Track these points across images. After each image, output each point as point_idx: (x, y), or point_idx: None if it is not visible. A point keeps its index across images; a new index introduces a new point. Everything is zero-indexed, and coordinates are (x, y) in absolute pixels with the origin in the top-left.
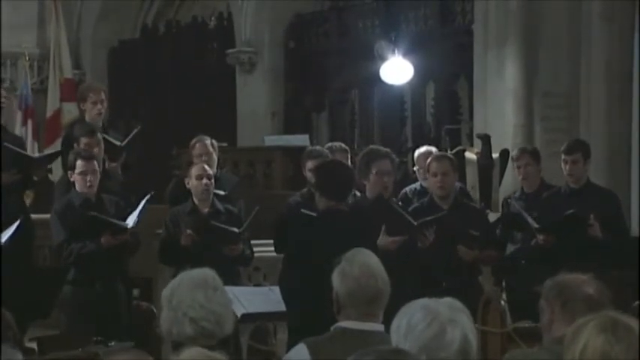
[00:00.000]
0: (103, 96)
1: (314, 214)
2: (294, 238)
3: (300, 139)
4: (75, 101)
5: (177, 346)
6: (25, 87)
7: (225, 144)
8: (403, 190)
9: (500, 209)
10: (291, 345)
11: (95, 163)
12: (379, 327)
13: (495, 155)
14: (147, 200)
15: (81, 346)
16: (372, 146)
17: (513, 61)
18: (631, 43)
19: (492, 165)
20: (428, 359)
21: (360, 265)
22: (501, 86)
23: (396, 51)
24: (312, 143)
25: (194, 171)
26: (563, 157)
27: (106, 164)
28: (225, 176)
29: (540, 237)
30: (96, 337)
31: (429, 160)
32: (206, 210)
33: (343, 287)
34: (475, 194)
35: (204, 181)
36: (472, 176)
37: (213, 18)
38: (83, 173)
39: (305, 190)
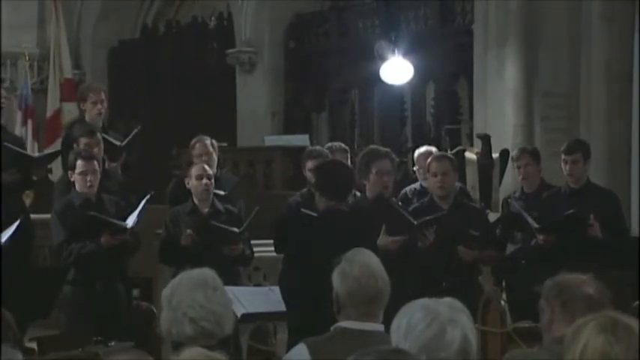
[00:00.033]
0: (103, 96)
1: (314, 214)
2: (294, 238)
3: (300, 139)
4: (75, 101)
5: (177, 346)
6: (25, 87)
7: (225, 144)
8: (403, 190)
9: (500, 209)
10: (291, 345)
11: (95, 163)
12: (379, 327)
13: (495, 155)
14: (147, 200)
15: (81, 346)
16: (372, 146)
17: (513, 61)
18: (631, 43)
19: (492, 165)
20: (428, 359)
21: (360, 265)
22: (501, 86)
23: (396, 51)
24: (312, 143)
25: (194, 171)
26: (563, 157)
27: (106, 164)
28: (225, 176)
29: (540, 237)
30: (96, 337)
31: (429, 160)
32: (206, 210)
33: (343, 287)
34: (475, 194)
35: (204, 181)
36: (472, 176)
37: (213, 18)
38: (83, 173)
39: (305, 190)
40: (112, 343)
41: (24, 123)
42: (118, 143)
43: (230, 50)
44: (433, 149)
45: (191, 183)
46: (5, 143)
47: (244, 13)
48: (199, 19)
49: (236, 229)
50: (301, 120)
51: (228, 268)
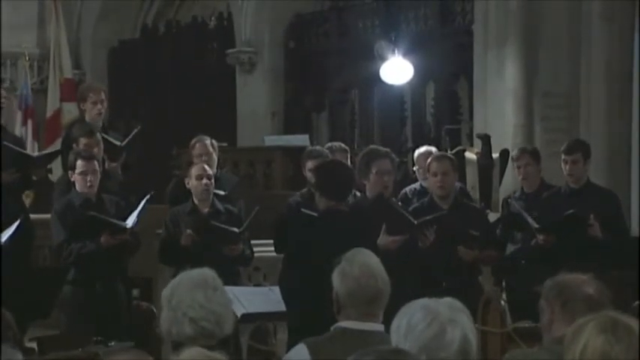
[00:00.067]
0: (103, 96)
1: (314, 214)
2: (294, 238)
3: (300, 139)
4: (75, 101)
5: (177, 346)
6: (25, 87)
7: (225, 144)
8: (403, 191)
9: (500, 209)
10: (291, 345)
11: (95, 163)
12: (379, 327)
13: (495, 155)
14: (147, 200)
15: (81, 346)
16: (371, 146)
17: (513, 61)
18: (631, 43)
19: (492, 165)
20: (428, 359)
21: (360, 265)
22: (501, 86)
23: (396, 51)
24: (312, 143)
25: (194, 171)
26: (563, 157)
27: (106, 164)
28: (225, 176)
29: (540, 237)
30: (96, 337)
31: (429, 160)
32: (206, 210)
33: (343, 287)
34: (475, 194)
35: (204, 181)
36: (472, 176)
37: (213, 18)
38: (83, 173)
39: (305, 190)
40: (112, 343)
41: (24, 123)
42: (117, 143)
43: (230, 50)
44: (433, 149)
45: (191, 183)
46: (5, 143)
47: (244, 13)
48: (199, 19)
49: (236, 229)
50: (301, 120)
51: (228, 268)
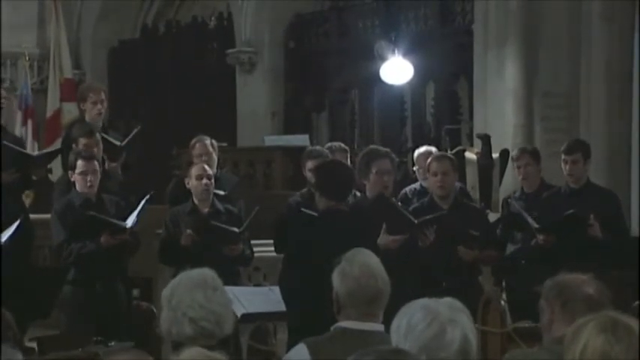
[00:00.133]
0: (103, 96)
1: (314, 214)
2: (294, 238)
3: (300, 139)
4: (75, 101)
5: (177, 346)
6: (25, 87)
7: (225, 144)
8: (403, 191)
9: (500, 209)
10: (291, 345)
11: (95, 163)
12: (379, 327)
13: (495, 155)
14: (147, 200)
15: (81, 346)
16: (371, 146)
17: (513, 61)
18: (631, 43)
19: (492, 165)
20: (428, 359)
21: (360, 265)
22: (501, 86)
23: (396, 51)
24: (312, 143)
25: (194, 171)
26: (563, 157)
27: (106, 164)
28: (225, 176)
29: (540, 237)
30: (96, 337)
31: (429, 159)
32: (206, 210)
33: (343, 287)
34: (475, 194)
35: (204, 181)
36: (472, 176)
37: (213, 18)
38: (84, 173)
39: (305, 190)
40: (112, 343)
41: (24, 123)
42: (117, 143)
43: (230, 50)
44: (433, 149)
45: (191, 183)
46: (5, 142)
47: (244, 13)
48: (199, 19)
49: (236, 229)
50: (301, 120)
51: (228, 268)
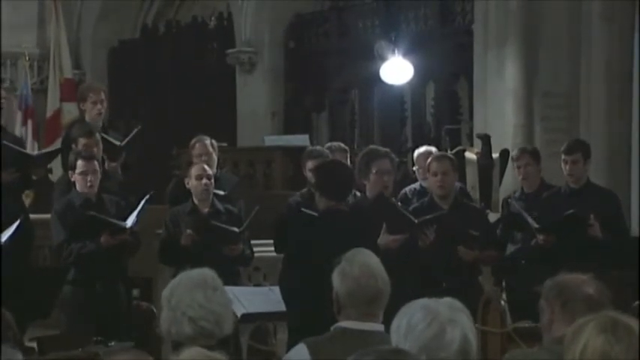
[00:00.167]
0: (102, 96)
1: (314, 214)
2: (294, 238)
3: (300, 139)
4: (75, 101)
5: (177, 346)
6: (25, 87)
7: (225, 144)
8: (403, 191)
9: (500, 209)
10: (291, 345)
11: (96, 163)
12: (379, 327)
13: (495, 155)
14: (146, 200)
15: (81, 346)
16: (371, 146)
17: (513, 61)
18: (631, 43)
19: (492, 165)
20: (428, 359)
21: (360, 265)
22: (501, 86)
23: (396, 51)
24: (312, 143)
25: (194, 171)
26: (563, 157)
27: (106, 164)
28: (225, 176)
29: (540, 237)
30: (96, 337)
31: (429, 159)
32: (206, 210)
33: (343, 287)
34: (475, 194)
35: (204, 181)
36: (472, 176)
37: (213, 18)
38: (84, 173)
39: (305, 190)
40: (112, 343)
41: (24, 123)
42: (117, 143)
43: (230, 50)
44: (433, 149)
45: (191, 183)
46: (5, 142)
47: (244, 13)
48: (199, 19)
49: (236, 229)
50: (301, 120)
51: (228, 268)
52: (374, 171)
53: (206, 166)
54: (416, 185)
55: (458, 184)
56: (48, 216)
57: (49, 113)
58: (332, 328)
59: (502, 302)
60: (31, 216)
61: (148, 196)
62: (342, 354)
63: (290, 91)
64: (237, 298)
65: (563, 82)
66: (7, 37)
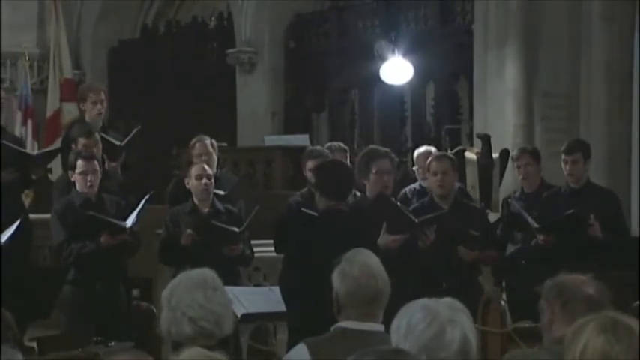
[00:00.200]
0: (102, 96)
1: (314, 214)
2: (294, 238)
3: (300, 139)
4: (75, 101)
5: (177, 346)
6: (25, 87)
7: (225, 144)
8: (403, 191)
9: (500, 209)
10: (291, 345)
11: (96, 163)
12: (379, 327)
13: (495, 155)
14: (147, 200)
15: (81, 346)
16: (371, 146)
17: (513, 61)
18: (631, 43)
19: (492, 165)
20: (428, 359)
21: (360, 265)
22: (501, 86)
23: (396, 51)
24: (312, 143)
25: (194, 171)
26: (563, 157)
27: (106, 164)
28: (225, 176)
29: (540, 237)
30: (96, 337)
31: (429, 159)
32: (206, 210)
33: (343, 287)
34: (475, 194)
35: (204, 181)
36: (472, 176)
37: (213, 18)
38: (84, 173)
39: (305, 190)
40: (112, 343)
41: (24, 123)
42: (117, 143)
43: (230, 50)
44: (433, 149)
45: (191, 183)
46: (5, 142)
47: (244, 13)
48: (199, 19)
49: (236, 229)
50: (301, 120)
51: (228, 268)
52: (374, 171)
53: (206, 166)
54: (416, 185)
55: (457, 184)
56: (48, 216)
57: (49, 113)
58: (332, 328)
59: (502, 302)
60: (31, 216)
61: (147, 196)
62: (342, 354)
63: (290, 91)
64: (237, 298)
65: (563, 82)
66: (7, 37)
